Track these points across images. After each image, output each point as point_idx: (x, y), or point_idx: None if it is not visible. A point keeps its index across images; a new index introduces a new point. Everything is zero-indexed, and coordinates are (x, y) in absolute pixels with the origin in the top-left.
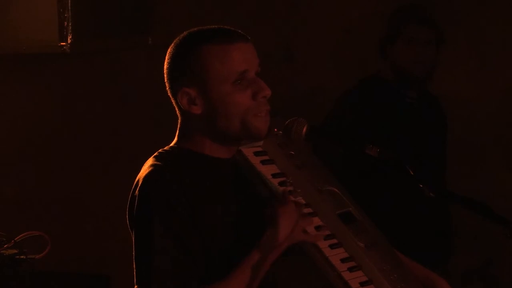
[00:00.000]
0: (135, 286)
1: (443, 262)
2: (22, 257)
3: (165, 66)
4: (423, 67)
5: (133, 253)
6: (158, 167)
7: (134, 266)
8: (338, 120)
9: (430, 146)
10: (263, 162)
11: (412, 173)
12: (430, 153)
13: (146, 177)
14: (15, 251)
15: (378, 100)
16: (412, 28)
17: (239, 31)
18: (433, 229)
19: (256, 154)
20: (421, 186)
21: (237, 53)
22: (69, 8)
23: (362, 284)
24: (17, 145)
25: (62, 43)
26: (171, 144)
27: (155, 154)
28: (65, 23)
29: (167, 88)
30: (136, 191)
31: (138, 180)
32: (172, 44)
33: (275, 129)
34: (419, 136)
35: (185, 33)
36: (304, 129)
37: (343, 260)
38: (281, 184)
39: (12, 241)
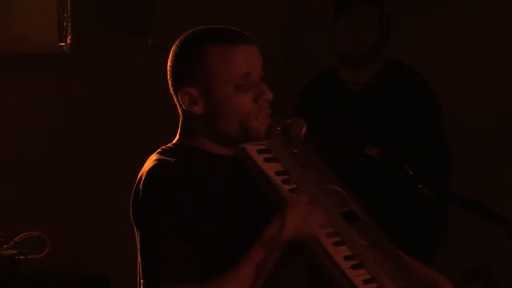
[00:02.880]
0: (141, 281)
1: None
2: (21, 257)
3: (169, 64)
4: (359, 47)
5: (139, 247)
6: (162, 161)
7: (139, 260)
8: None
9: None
10: (266, 160)
11: (411, 173)
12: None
13: (150, 170)
14: (15, 251)
15: (324, 93)
16: (351, 8)
17: (245, 33)
18: (425, 227)
19: (260, 151)
20: (421, 186)
21: (241, 55)
22: (69, 8)
23: (365, 282)
24: (17, 145)
25: (61, 43)
26: (173, 141)
27: (158, 150)
28: (65, 23)
29: (170, 86)
30: (140, 185)
31: (141, 175)
32: (177, 42)
33: (279, 128)
34: (367, 125)
35: (190, 31)
36: (304, 130)
37: (346, 258)
38: (284, 182)
39: (12, 241)
